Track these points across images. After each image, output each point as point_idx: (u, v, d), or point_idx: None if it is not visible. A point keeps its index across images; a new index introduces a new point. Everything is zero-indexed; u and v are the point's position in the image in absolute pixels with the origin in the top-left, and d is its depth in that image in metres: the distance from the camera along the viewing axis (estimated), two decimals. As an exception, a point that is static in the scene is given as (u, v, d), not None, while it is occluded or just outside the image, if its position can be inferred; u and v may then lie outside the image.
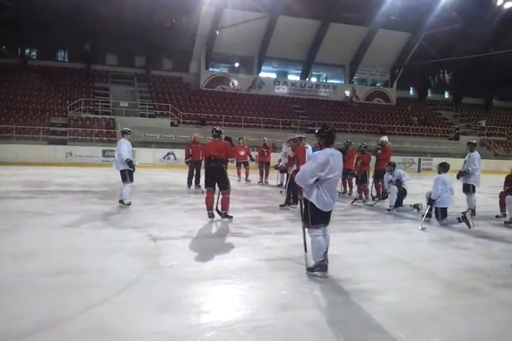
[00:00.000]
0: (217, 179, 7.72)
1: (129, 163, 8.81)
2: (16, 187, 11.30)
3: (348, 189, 12.12)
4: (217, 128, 8.10)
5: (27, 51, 30.07)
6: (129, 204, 8.85)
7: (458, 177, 9.17)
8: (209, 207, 7.79)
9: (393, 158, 11.13)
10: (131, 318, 3.48)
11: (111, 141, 23.04)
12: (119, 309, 3.67)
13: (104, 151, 21.27)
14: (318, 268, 4.62)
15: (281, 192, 11.48)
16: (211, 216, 7.76)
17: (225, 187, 7.74)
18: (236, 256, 5.48)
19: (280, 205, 9.30)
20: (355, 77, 35.71)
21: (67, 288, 4.12)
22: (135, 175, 9.20)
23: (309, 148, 12.82)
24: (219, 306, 3.84)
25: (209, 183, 7.76)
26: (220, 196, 7.80)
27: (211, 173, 7.75)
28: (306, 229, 4.73)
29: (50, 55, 29.94)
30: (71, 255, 5.24)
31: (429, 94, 39.17)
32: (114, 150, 9.55)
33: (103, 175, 14.71)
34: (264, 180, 14.87)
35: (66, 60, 30.97)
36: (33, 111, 24.49)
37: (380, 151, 10.88)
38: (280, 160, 12.04)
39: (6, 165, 17.65)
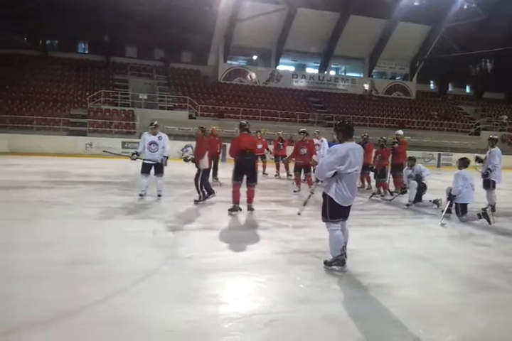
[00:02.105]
0: (249, 172, 7.82)
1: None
2: (36, 177, 11.47)
3: (366, 183, 12.04)
4: (247, 122, 8.18)
5: (48, 42, 30.39)
6: (141, 195, 8.96)
7: (477, 161, 9.08)
8: (236, 201, 7.81)
9: (412, 153, 11.02)
10: (149, 308, 3.52)
11: (130, 133, 23.26)
12: (137, 299, 3.71)
13: (123, 143, 21.37)
14: (336, 262, 4.61)
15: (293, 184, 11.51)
16: (237, 209, 7.76)
17: (255, 180, 7.90)
18: (254, 249, 5.50)
19: (195, 200, 8.63)
20: (374, 70, 35.28)
21: (85, 277, 4.17)
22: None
23: (325, 142, 12.77)
24: (237, 298, 3.86)
25: (240, 176, 7.82)
26: (245, 188, 7.88)
27: (246, 166, 7.79)
28: (325, 224, 4.71)
29: (70, 47, 30.22)
30: (90, 245, 5.30)
31: (449, 88, 38.55)
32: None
33: (122, 166, 14.82)
34: (280, 173, 14.83)
35: (86, 51, 31.24)
36: (53, 102, 24.78)
37: (396, 145, 10.78)
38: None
39: (26, 156, 17.95)
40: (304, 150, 10.60)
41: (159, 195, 9.08)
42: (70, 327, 3.18)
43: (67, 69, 27.59)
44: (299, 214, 5.26)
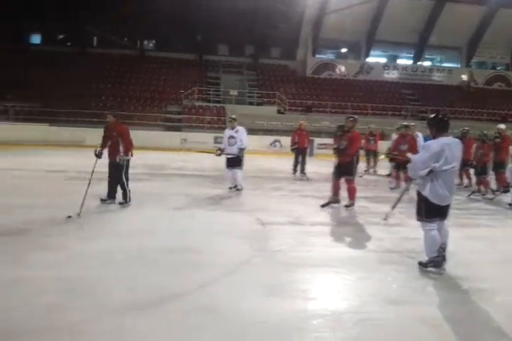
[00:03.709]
0: None
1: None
2: (136, 170, 12.15)
3: (466, 181, 11.29)
4: None
5: (145, 43, 32.16)
6: (230, 188, 9.29)
7: None
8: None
9: (514, 149, 10.20)
10: (239, 299, 3.60)
11: (221, 128, 23.89)
12: (229, 289, 3.82)
13: (215, 138, 22.01)
14: (432, 264, 4.38)
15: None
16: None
17: None
18: (344, 245, 5.45)
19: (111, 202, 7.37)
20: (472, 60, 33.03)
21: (180, 266, 4.35)
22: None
23: (420, 137, 12.16)
24: (326, 294, 3.85)
25: None
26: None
27: None
28: (420, 223, 4.50)
29: (166, 47, 31.70)
30: (183, 235, 5.53)
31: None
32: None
33: (215, 161, 15.21)
34: (369, 169, 14.41)
35: (181, 51, 32.58)
36: (151, 99, 26.24)
37: (498, 140, 10.00)
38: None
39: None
40: (404, 147, 10.14)
41: (237, 189, 9.26)
42: (167, 312, 3.33)
43: (164, 68, 29.00)
44: (384, 219, 5.11)
